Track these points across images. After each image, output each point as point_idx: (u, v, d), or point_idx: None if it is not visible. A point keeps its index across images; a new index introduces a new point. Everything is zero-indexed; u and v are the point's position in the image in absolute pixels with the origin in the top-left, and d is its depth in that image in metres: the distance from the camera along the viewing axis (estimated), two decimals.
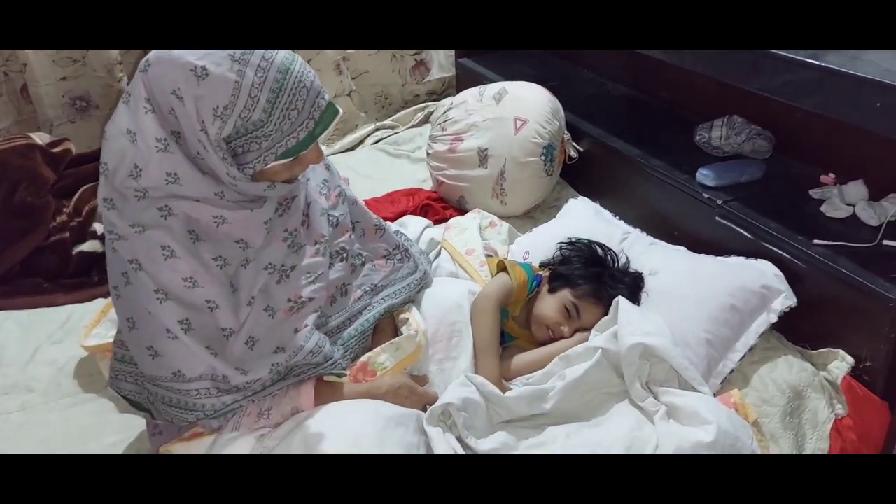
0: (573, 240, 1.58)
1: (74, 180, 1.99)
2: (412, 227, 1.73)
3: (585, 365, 1.32)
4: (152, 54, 1.04)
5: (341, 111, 1.12)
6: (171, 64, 1.02)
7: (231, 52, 1.02)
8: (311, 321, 1.21)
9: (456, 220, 1.78)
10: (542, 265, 1.57)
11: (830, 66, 1.22)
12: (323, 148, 1.19)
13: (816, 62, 1.24)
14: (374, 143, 2.55)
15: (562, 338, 1.42)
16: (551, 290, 1.46)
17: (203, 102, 1.02)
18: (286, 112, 1.05)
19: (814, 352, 1.42)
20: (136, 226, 1.08)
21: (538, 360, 1.40)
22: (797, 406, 1.35)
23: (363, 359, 1.30)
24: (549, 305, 1.44)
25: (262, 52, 1.03)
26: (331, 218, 1.32)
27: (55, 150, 2.03)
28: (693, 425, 1.22)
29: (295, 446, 1.13)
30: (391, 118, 2.66)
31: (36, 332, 1.63)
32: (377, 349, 1.31)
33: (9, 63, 2.24)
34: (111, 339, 1.32)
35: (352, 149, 2.56)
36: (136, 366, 1.17)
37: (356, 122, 2.64)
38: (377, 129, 2.62)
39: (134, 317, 1.12)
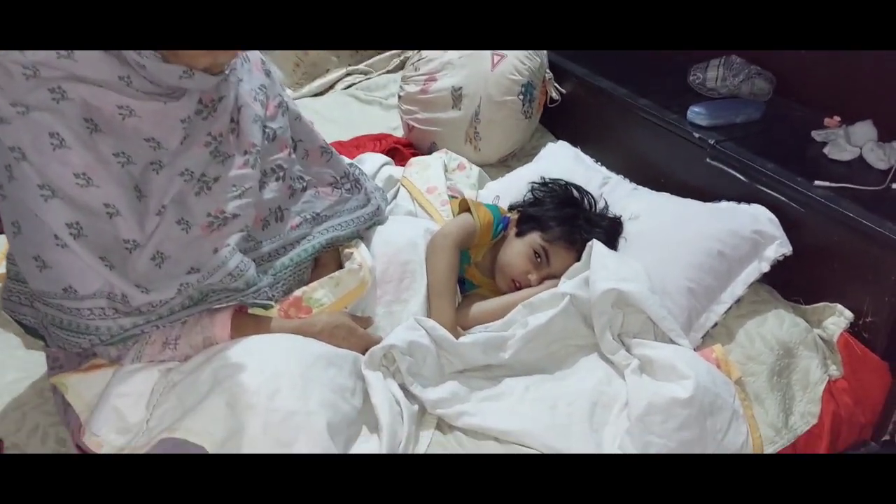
0: (547, 180, 1.42)
1: None
2: (369, 162, 1.57)
3: (550, 312, 1.19)
4: None
5: None
6: None
7: None
8: (234, 241, 1.06)
9: (418, 158, 1.63)
10: (511, 207, 1.42)
11: None
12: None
13: None
14: (344, 89, 2.38)
15: (529, 286, 1.28)
16: (519, 234, 1.33)
17: None
18: None
19: (808, 307, 1.30)
20: (19, 105, 0.91)
21: (499, 309, 1.27)
22: (786, 365, 1.23)
23: (297, 293, 1.16)
24: (516, 250, 1.30)
25: None
26: (267, 130, 1.16)
27: None
28: (668, 380, 1.11)
29: (203, 380, 0.98)
30: (364, 63, 2.49)
31: None
32: (314, 283, 1.18)
33: None
34: None
35: (321, 94, 2.39)
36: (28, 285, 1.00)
37: (327, 67, 2.46)
38: (349, 74, 2.45)
39: (19, 220, 0.96)
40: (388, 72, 2.45)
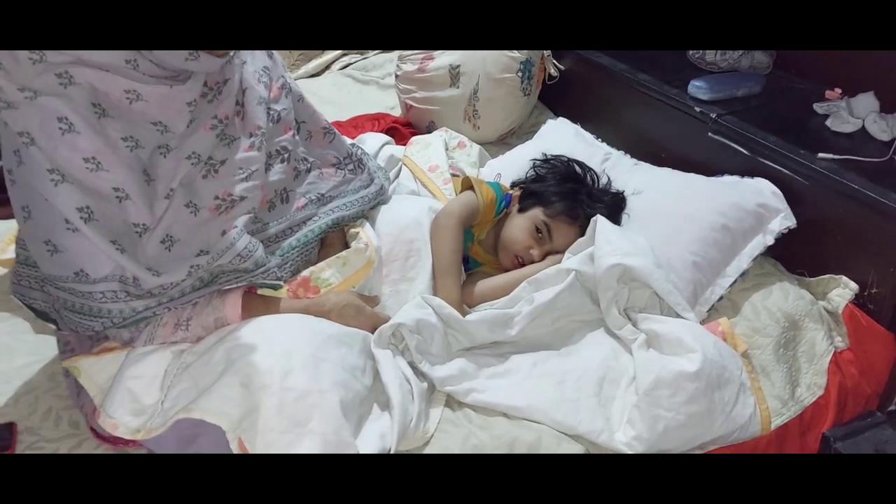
0: (548, 156, 1.42)
1: None
2: (370, 142, 1.57)
3: (556, 289, 1.19)
4: None
5: None
6: None
7: None
8: (241, 223, 1.06)
9: (419, 137, 1.62)
10: (514, 184, 1.42)
11: None
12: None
13: None
14: (340, 69, 2.36)
15: (531, 262, 1.28)
16: (521, 210, 1.33)
17: None
18: None
19: (813, 279, 1.31)
20: (27, 90, 0.91)
21: (504, 286, 1.27)
22: (792, 337, 1.23)
23: (305, 273, 1.16)
24: (519, 225, 1.30)
25: None
26: (271, 111, 1.15)
27: None
28: (675, 354, 1.11)
29: (216, 361, 0.98)
30: None
31: None
32: (321, 264, 1.18)
33: None
34: None
35: (317, 75, 2.37)
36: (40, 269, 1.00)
37: None
38: (345, 55, 2.42)
39: (29, 205, 0.96)
40: (384, 51, 2.44)
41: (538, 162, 1.43)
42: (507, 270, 1.32)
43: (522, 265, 1.30)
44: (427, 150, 1.54)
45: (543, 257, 1.29)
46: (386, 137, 1.63)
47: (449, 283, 1.23)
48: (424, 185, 1.47)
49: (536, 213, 1.30)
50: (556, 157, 1.43)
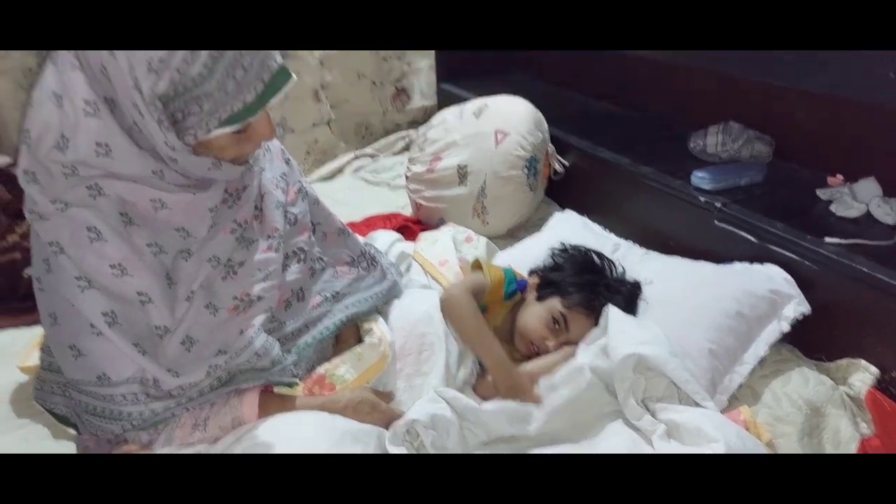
0: (567, 246, 1.44)
1: None
2: (380, 240, 1.60)
3: (573, 392, 1.18)
4: None
5: (294, 77, 1.00)
6: None
7: None
8: (259, 322, 1.07)
9: (428, 233, 1.65)
10: (532, 272, 1.43)
11: None
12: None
13: None
14: (353, 173, 2.44)
15: (546, 352, 1.28)
16: (539, 298, 1.34)
17: (137, 56, 0.90)
18: (230, 70, 0.93)
19: (831, 364, 1.29)
20: (59, 202, 0.95)
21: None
22: (816, 425, 1.20)
23: (320, 370, 1.17)
24: (535, 314, 1.31)
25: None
26: (288, 214, 1.19)
27: (13, 170, 1.92)
28: (697, 444, 1.08)
29: None
30: (371, 147, 2.56)
31: None
32: (336, 360, 1.19)
33: None
34: None
35: (330, 178, 2.46)
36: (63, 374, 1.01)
37: (335, 152, 2.54)
38: (356, 158, 2.52)
39: (56, 311, 0.98)
40: (394, 154, 2.53)
41: (556, 251, 1.44)
42: (522, 357, 1.31)
43: (537, 353, 1.29)
44: (436, 245, 1.57)
45: (559, 347, 1.29)
46: (396, 234, 1.67)
47: (486, 345, 1.22)
48: (435, 279, 1.49)
49: (554, 304, 1.30)
50: (575, 247, 1.44)
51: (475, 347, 1.23)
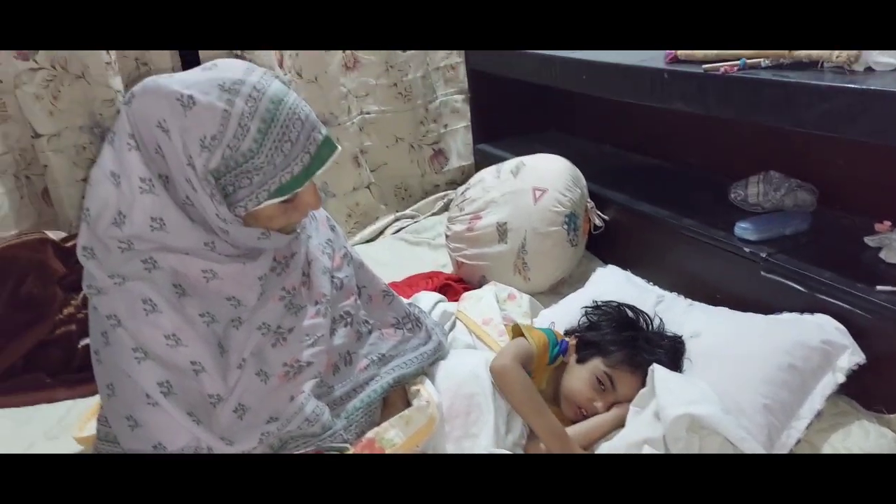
0: (598, 303, 1.44)
1: None
2: (424, 301, 1.62)
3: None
4: (137, 86, 0.99)
5: (339, 148, 1.04)
6: (156, 94, 0.96)
7: (220, 80, 0.96)
8: (308, 388, 1.09)
9: (470, 292, 1.66)
10: (568, 332, 1.43)
11: (872, 87, 1.11)
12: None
13: (855, 86, 1.13)
14: (394, 234, 2.49)
15: (595, 414, 1.27)
16: (580, 360, 1.33)
17: (190, 134, 0.95)
18: (279, 144, 0.97)
19: (892, 416, 1.24)
20: (116, 277, 0.99)
21: (584, 434, 1.25)
22: None
23: (370, 434, 1.17)
24: (579, 377, 1.30)
25: (253, 81, 0.97)
26: (335, 279, 1.22)
27: (68, 244, 2.00)
28: None
29: None
30: (411, 208, 2.61)
31: (31, 429, 1.54)
32: (385, 424, 1.18)
33: (31, 166, 2.24)
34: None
35: (372, 240, 2.50)
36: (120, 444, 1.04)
37: (376, 215, 2.59)
38: (397, 220, 2.56)
39: (113, 382, 1.02)
40: (433, 214, 2.57)
41: (589, 309, 1.44)
42: (570, 420, 1.30)
43: (585, 417, 1.28)
44: (479, 303, 1.58)
45: (609, 408, 1.27)
46: (438, 296, 1.68)
47: (541, 420, 1.21)
48: (480, 338, 1.49)
49: (597, 364, 1.29)
50: (607, 303, 1.44)
51: (529, 419, 1.22)
